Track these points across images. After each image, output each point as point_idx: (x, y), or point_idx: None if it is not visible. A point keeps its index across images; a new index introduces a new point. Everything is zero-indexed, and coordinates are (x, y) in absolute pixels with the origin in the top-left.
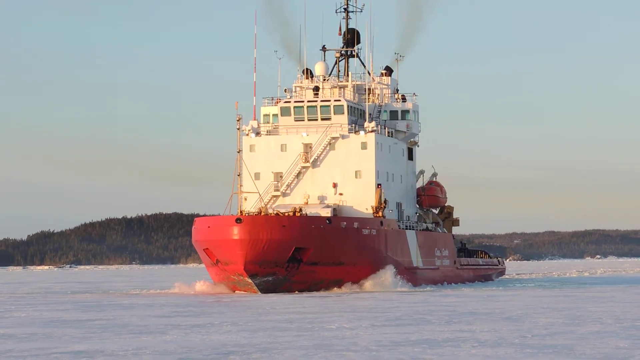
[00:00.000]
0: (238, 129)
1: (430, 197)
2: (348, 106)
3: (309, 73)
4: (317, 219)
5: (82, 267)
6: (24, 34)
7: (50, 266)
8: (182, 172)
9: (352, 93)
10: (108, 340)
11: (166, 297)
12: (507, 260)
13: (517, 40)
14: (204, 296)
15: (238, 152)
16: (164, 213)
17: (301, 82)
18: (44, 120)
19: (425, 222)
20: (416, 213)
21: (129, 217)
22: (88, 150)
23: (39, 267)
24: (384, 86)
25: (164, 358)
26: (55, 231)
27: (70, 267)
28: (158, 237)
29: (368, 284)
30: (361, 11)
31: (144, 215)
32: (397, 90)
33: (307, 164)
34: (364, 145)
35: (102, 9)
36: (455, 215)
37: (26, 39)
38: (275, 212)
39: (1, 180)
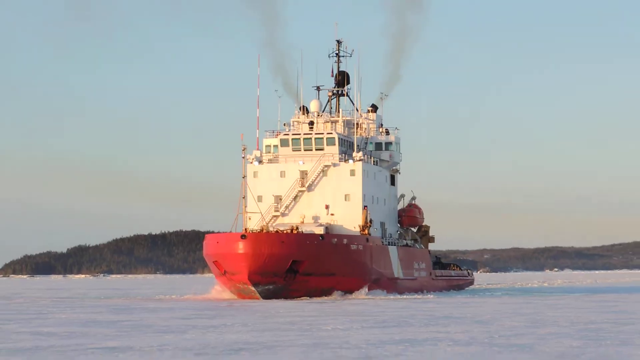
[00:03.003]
0: (243, 157)
1: (409, 217)
2: (339, 138)
3: (305, 109)
4: (312, 235)
5: (113, 276)
6: (48, 78)
7: (87, 275)
8: (198, 195)
9: (342, 127)
10: (136, 338)
11: (186, 302)
12: (478, 272)
13: (483, 82)
14: (218, 301)
15: (243, 177)
16: (184, 230)
17: (298, 118)
18: (83, 153)
19: (405, 239)
20: (397, 231)
21: (154, 233)
22: (120, 178)
23: (76, 276)
24: (370, 121)
25: (183, 353)
26: (91, 245)
27: (103, 276)
28: (179, 251)
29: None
30: (350, 56)
31: (167, 232)
32: (382, 124)
33: (303, 188)
34: (352, 172)
35: (124, 51)
36: (431, 234)
37: (49, 79)
38: (275, 229)
39: (46, 203)
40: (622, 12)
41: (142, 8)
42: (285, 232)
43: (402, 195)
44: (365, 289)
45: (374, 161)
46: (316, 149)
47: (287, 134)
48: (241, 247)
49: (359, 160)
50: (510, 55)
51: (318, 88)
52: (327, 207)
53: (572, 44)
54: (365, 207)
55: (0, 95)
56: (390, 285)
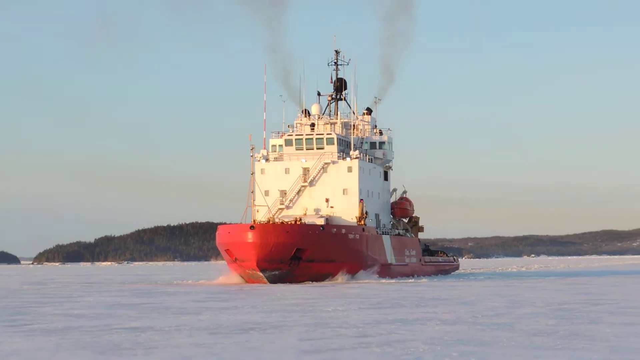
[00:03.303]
0: (252, 156)
1: (401, 209)
2: (337, 138)
3: (306, 112)
4: (313, 226)
5: (136, 263)
6: (76, 87)
7: (112, 262)
8: (211, 191)
9: (340, 128)
10: (156, 319)
11: (201, 287)
12: (463, 258)
13: (469, 85)
14: (230, 286)
15: (252, 174)
16: (199, 222)
17: (301, 120)
18: (109, 155)
19: (397, 229)
20: (390, 222)
21: (172, 225)
22: (141, 177)
23: (103, 263)
24: (365, 123)
25: (199, 332)
26: (116, 235)
27: (127, 263)
28: (194, 241)
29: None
30: (348, 64)
31: (183, 223)
32: (376, 126)
33: (306, 184)
34: (349, 169)
35: (144, 62)
36: (420, 224)
37: (76, 88)
38: (280, 221)
39: (76, 200)
40: (622, 12)
41: (158, 23)
42: (289, 223)
43: (394, 190)
44: (375, 275)
45: (369, 159)
46: (317, 148)
47: (291, 135)
48: (250, 236)
49: (356, 158)
50: (493, 57)
51: (318, 93)
52: (327, 200)
53: (555, 47)
54: (361, 200)
55: (35, 102)
56: (384, 270)
